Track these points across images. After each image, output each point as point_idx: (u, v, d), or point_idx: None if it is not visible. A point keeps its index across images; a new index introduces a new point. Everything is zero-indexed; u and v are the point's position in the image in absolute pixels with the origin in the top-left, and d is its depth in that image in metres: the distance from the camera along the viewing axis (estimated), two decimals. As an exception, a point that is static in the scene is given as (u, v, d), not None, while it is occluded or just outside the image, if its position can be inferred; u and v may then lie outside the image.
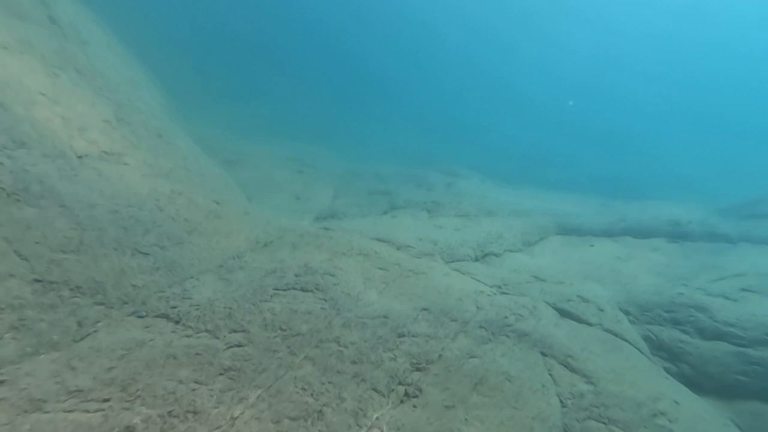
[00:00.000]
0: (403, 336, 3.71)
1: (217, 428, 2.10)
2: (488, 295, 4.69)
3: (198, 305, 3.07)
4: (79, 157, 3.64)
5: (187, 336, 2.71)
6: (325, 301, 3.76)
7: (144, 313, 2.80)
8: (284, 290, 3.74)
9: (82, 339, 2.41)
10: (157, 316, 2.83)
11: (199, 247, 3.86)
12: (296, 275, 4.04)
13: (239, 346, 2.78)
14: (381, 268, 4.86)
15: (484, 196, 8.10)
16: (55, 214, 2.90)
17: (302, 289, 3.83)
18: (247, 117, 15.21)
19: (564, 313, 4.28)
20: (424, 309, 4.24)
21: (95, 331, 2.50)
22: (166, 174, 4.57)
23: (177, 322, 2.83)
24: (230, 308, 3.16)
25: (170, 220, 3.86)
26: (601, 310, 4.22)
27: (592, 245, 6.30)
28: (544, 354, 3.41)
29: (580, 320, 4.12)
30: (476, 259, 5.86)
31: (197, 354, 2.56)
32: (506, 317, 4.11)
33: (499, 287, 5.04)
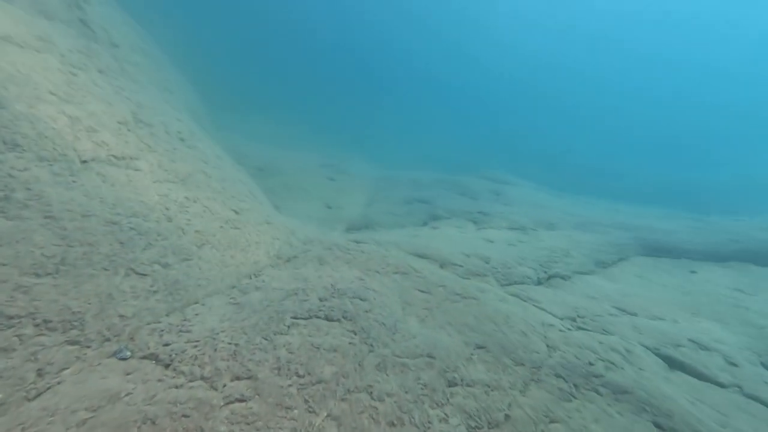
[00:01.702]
0: (455, 384, 2.88)
1: None
2: (560, 330, 3.73)
3: (197, 341, 2.45)
4: (84, 161, 3.22)
5: (177, 386, 2.08)
6: (355, 333, 3.03)
7: (128, 353, 2.21)
8: (305, 318, 3.06)
9: (38, 395, 1.84)
10: (144, 357, 2.23)
11: (210, 264, 3.28)
12: (321, 299, 3.36)
13: (242, 400, 2.11)
14: (422, 291, 4.06)
15: (541, 205, 7.04)
16: (37, 226, 2.42)
17: (327, 318, 3.13)
18: (281, 126, 15.13)
19: (673, 364, 3.23)
20: (480, 346, 3.39)
21: (59, 383, 1.93)
22: (182, 179, 4.11)
23: (167, 366, 2.21)
24: (236, 344, 2.52)
25: (179, 231, 3.33)
26: (734, 365, 3.11)
27: (694, 271, 5.05)
28: (660, 427, 2.43)
29: (701, 376, 3.05)
30: (539, 282, 4.88)
31: (184, 416, 1.91)
32: (591, 363, 3.15)
33: (573, 320, 4.05)
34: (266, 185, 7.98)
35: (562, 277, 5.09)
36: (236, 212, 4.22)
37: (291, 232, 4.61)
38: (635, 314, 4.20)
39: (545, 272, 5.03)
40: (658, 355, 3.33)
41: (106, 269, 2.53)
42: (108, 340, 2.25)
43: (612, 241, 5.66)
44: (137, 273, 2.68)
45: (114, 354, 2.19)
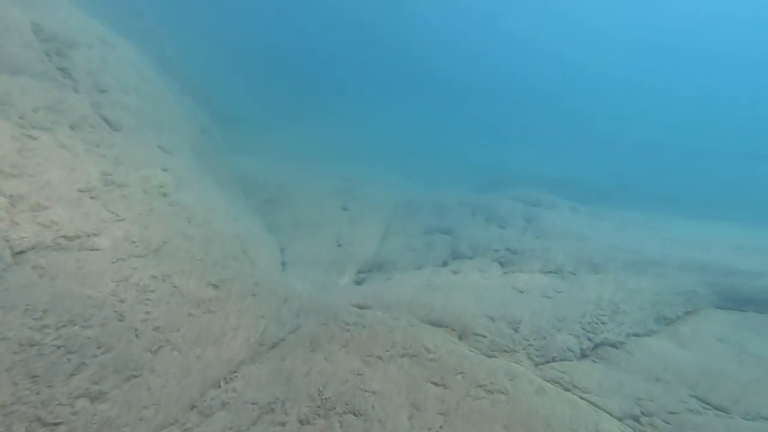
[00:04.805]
0: None
1: None
2: (622, 449, 2.78)
3: None
4: (18, 252, 2.71)
5: None
6: (340, 484, 2.28)
7: None
8: (276, 461, 2.35)
9: None
10: None
11: (164, 378, 2.66)
12: (301, 421, 2.63)
13: None
14: (436, 383, 3.25)
15: (582, 236, 5.95)
16: None
17: (305, 457, 2.40)
18: (299, 139, 14.65)
19: None
20: (510, 483, 2.54)
21: None
22: (154, 250, 3.56)
23: None
24: None
25: (130, 333, 2.74)
26: None
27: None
28: None
29: None
30: (583, 355, 3.91)
31: None
32: None
33: (636, 420, 3.08)
34: (275, 221, 7.46)
35: (614, 345, 4.07)
36: (215, 287, 3.62)
37: (283, 301, 3.94)
38: (726, 411, 3.14)
39: (590, 339, 4.04)
40: None
41: None
42: None
43: (676, 287, 4.50)
44: (47, 425, 2.08)
45: None
